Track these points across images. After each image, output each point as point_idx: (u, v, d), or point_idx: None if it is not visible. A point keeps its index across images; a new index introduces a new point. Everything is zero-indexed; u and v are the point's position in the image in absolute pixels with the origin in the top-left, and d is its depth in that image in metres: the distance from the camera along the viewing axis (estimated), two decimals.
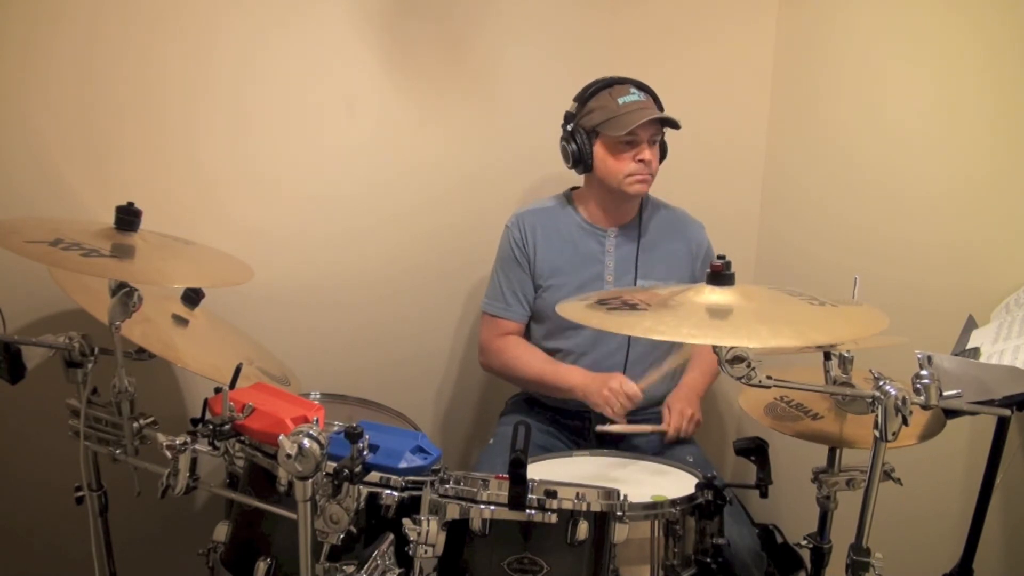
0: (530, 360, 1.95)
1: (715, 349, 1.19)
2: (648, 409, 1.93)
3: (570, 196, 2.02)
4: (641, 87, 1.88)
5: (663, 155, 1.93)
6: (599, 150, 1.86)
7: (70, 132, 1.79)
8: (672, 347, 1.94)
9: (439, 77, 2.13)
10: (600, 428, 1.80)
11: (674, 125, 1.84)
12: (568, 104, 1.91)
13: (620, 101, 1.83)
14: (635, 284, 1.92)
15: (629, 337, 1.89)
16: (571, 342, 1.94)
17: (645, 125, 1.81)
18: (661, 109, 1.88)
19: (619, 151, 1.85)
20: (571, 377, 1.87)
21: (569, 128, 1.89)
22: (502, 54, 2.17)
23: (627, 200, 1.92)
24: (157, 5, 1.82)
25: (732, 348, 1.18)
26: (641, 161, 1.84)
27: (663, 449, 1.86)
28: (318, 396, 1.81)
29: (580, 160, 1.88)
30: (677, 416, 1.86)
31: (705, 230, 2.03)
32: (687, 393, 1.94)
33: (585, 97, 1.87)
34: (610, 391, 1.78)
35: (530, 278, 1.96)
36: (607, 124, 1.82)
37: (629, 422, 1.85)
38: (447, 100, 2.14)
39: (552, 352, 1.96)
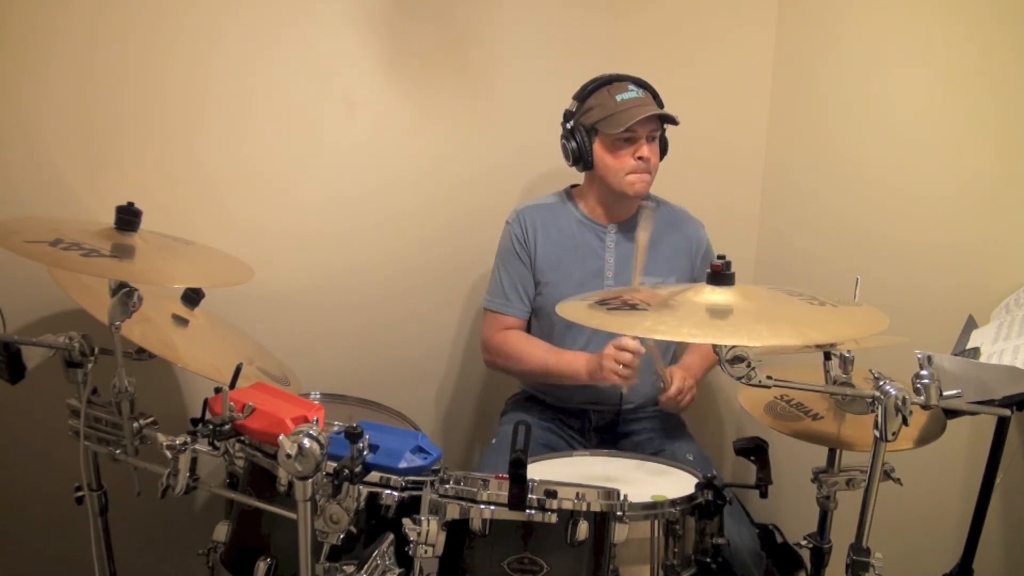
0: (533, 351, 1.93)
1: (715, 349, 1.19)
2: (645, 408, 1.93)
3: (571, 193, 2.02)
4: (640, 84, 1.88)
5: (664, 151, 1.93)
6: (598, 148, 1.86)
7: (70, 132, 1.79)
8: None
9: (439, 77, 2.13)
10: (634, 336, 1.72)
11: (672, 121, 1.85)
12: (568, 104, 1.91)
13: (618, 98, 1.83)
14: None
15: None
16: (571, 338, 1.94)
17: (643, 121, 1.81)
18: (661, 106, 1.88)
19: (618, 148, 1.85)
20: (575, 362, 1.85)
21: (569, 126, 1.89)
22: (502, 55, 2.17)
23: (628, 198, 1.92)
24: (158, 5, 1.82)
25: (732, 348, 1.18)
26: (640, 158, 1.84)
27: (663, 448, 1.86)
28: (318, 396, 1.81)
29: (580, 158, 1.88)
30: (680, 379, 1.83)
31: (704, 228, 2.03)
32: (686, 370, 1.92)
33: (584, 95, 1.87)
34: (609, 360, 1.73)
35: (531, 273, 1.96)
36: (605, 122, 1.82)
37: (625, 420, 1.85)
38: (447, 100, 2.15)
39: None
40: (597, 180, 1.92)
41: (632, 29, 2.24)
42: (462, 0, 2.11)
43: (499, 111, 2.19)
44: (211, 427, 1.17)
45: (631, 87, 1.85)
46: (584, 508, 1.23)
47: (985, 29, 1.64)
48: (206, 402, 1.22)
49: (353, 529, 1.18)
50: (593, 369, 1.78)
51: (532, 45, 2.19)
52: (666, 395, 1.82)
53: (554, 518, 1.21)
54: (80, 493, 1.43)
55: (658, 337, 1.21)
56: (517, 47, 2.17)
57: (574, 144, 1.87)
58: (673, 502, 1.36)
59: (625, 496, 1.27)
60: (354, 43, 2.02)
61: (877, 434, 1.19)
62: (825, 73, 2.12)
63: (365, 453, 1.16)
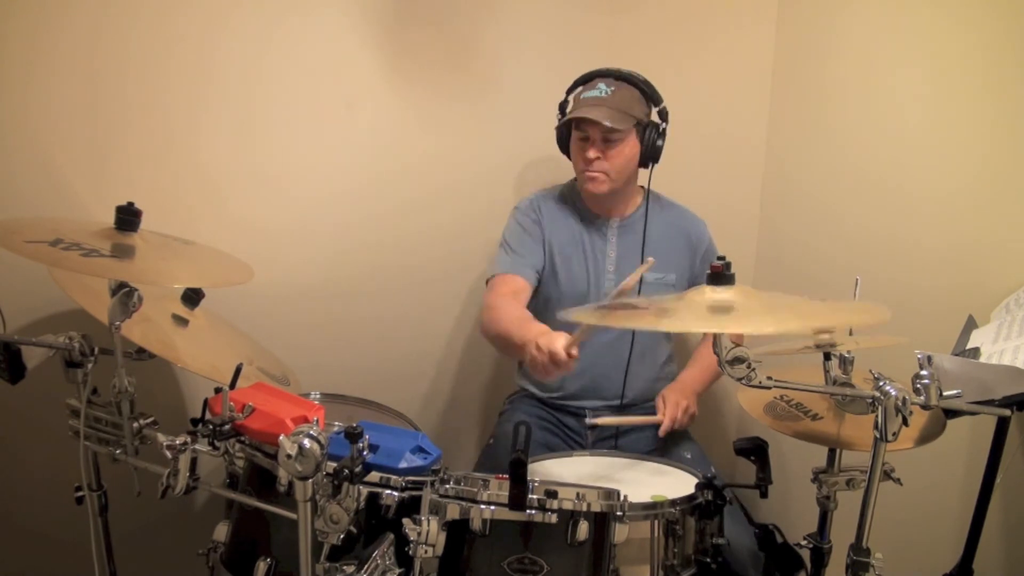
0: (503, 315, 1.79)
1: (715, 350, 1.19)
2: (643, 404, 1.93)
3: (573, 186, 2.02)
4: (624, 79, 1.85)
5: (652, 157, 1.87)
6: (571, 142, 1.90)
7: (72, 132, 1.79)
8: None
9: (439, 78, 2.13)
10: (590, 421, 1.75)
11: (612, 131, 1.80)
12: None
13: (583, 96, 1.85)
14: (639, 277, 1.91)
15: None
16: (562, 330, 1.93)
17: (592, 123, 1.80)
18: (652, 99, 1.86)
19: (578, 146, 1.87)
20: (526, 332, 1.64)
21: (559, 117, 1.92)
22: (502, 56, 2.17)
23: (594, 195, 1.90)
24: (160, 5, 1.82)
25: (732, 348, 1.17)
26: (587, 158, 1.84)
27: (662, 447, 1.86)
28: (318, 396, 1.81)
29: (564, 150, 1.92)
30: (672, 407, 1.84)
31: (707, 227, 2.03)
32: (683, 387, 1.94)
33: (571, 88, 1.90)
34: (537, 350, 1.55)
35: (543, 250, 1.93)
36: (566, 117, 1.86)
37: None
38: (446, 100, 2.14)
39: None
40: None
41: (632, 28, 2.23)
42: (461, 0, 2.11)
43: (499, 111, 2.19)
44: (211, 427, 1.17)
45: (600, 85, 1.84)
46: (584, 508, 1.23)
47: (985, 28, 1.64)
48: (206, 402, 1.22)
49: (353, 529, 1.18)
50: (528, 348, 1.59)
51: (532, 44, 2.18)
52: (662, 430, 1.83)
53: (554, 518, 1.21)
54: (80, 493, 1.43)
55: (663, 329, 1.21)
56: (517, 46, 2.17)
57: (558, 135, 1.92)
58: (673, 502, 1.36)
59: (625, 496, 1.27)
60: (354, 43, 2.02)
61: (877, 434, 1.19)
62: (825, 72, 2.12)
63: (365, 453, 1.16)
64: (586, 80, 1.88)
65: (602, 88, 1.83)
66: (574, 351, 1.52)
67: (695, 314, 1.26)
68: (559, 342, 1.52)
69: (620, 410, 1.94)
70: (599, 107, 1.81)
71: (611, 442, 1.90)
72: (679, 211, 2.03)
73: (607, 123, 1.77)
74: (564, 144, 1.94)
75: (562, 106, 1.92)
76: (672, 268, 1.94)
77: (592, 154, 1.83)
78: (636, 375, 1.92)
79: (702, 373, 2.00)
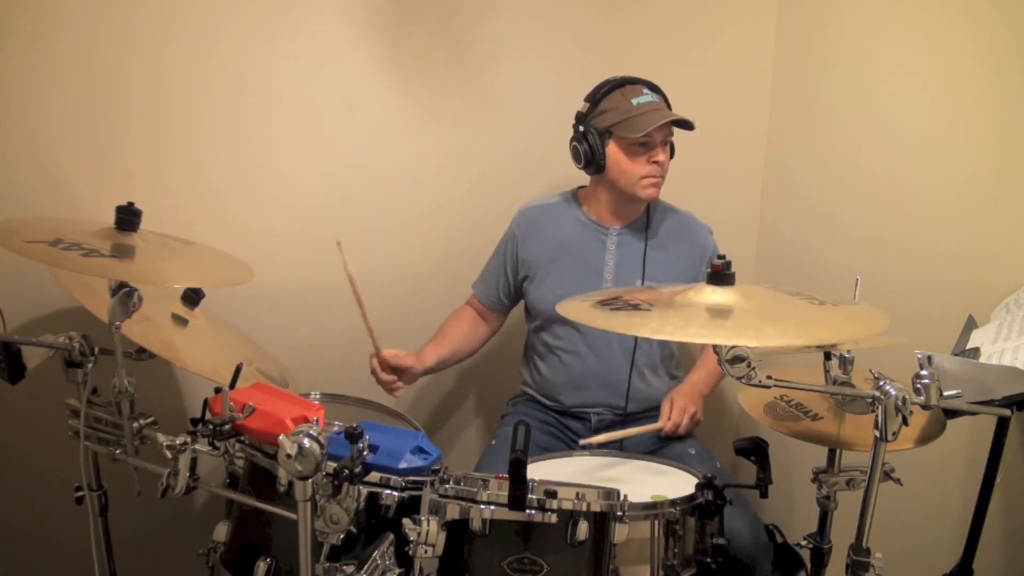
0: (441, 328, 2.05)
1: (715, 349, 1.19)
2: (650, 411, 1.93)
3: (576, 194, 2.02)
4: (652, 87, 1.87)
5: (671, 155, 1.91)
6: (613, 151, 1.84)
7: (72, 132, 1.79)
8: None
9: (440, 79, 2.13)
10: (582, 442, 1.73)
11: (689, 126, 1.82)
12: (570, 105, 1.90)
13: (634, 102, 1.81)
14: (641, 284, 1.91)
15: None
16: (562, 337, 1.94)
17: (660, 127, 1.79)
18: (670, 109, 1.88)
19: (634, 153, 1.83)
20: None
21: (581, 129, 1.86)
22: (503, 57, 2.17)
23: (638, 202, 1.91)
24: (160, 5, 1.82)
25: (732, 348, 1.17)
26: (655, 163, 1.83)
27: (665, 445, 1.85)
28: (318, 396, 1.81)
29: (592, 161, 1.85)
30: (678, 411, 1.83)
31: (712, 235, 2.01)
32: (690, 390, 1.93)
33: (597, 97, 1.85)
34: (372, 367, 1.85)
35: (506, 273, 2.00)
36: (622, 125, 1.80)
37: (626, 423, 1.85)
38: (448, 103, 2.15)
39: (546, 347, 1.97)
40: (607, 183, 1.90)
41: (631, 28, 2.24)
42: (461, 0, 2.11)
43: (499, 112, 2.19)
44: (211, 427, 1.18)
45: (645, 90, 1.84)
46: (584, 508, 1.23)
47: (986, 28, 1.64)
48: (206, 402, 1.22)
49: (353, 529, 1.18)
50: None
51: (532, 47, 2.19)
52: (664, 432, 1.83)
53: (554, 518, 1.21)
54: (80, 493, 1.43)
55: (665, 338, 1.20)
56: (517, 49, 2.18)
57: (586, 147, 1.84)
58: (673, 502, 1.35)
59: (625, 496, 1.27)
60: (354, 43, 2.02)
61: (877, 434, 1.19)
62: (825, 72, 2.12)
63: (365, 453, 1.16)
64: (619, 85, 1.84)
65: (649, 93, 1.84)
66: (384, 377, 1.85)
67: (700, 319, 1.25)
68: (376, 361, 1.85)
69: (624, 419, 1.92)
70: (667, 111, 1.83)
71: (614, 444, 1.90)
72: (683, 217, 2.01)
73: (692, 121, 1.80)
74: (595, 153, 1.84)
75: (582, 116, 1.87)
76: (675, 276, 1.92)
77: (662, 157, 1.84)
78: (639, 384, 1.92)
79: (709, 375, 1.99)
